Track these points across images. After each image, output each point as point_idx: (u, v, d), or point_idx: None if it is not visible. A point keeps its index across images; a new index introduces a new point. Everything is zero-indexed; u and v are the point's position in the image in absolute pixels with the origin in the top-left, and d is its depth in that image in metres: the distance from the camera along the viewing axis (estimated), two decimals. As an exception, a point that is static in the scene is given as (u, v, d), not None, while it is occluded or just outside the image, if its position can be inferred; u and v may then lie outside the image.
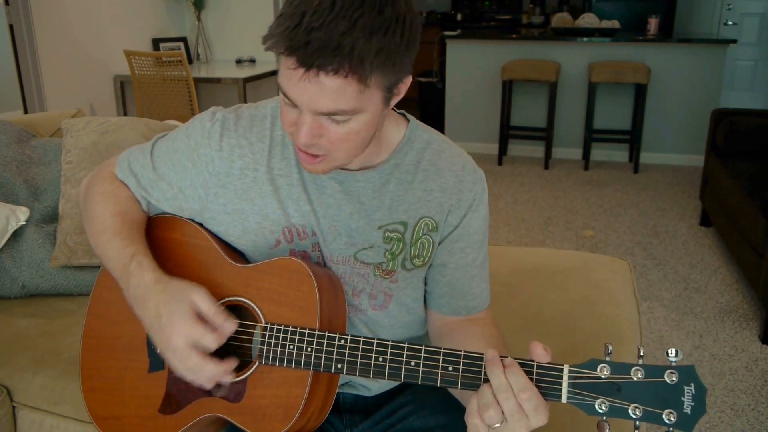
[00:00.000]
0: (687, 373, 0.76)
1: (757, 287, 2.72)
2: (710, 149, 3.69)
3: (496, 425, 0.80)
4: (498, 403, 0.80)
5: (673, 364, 0.78)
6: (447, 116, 5.47)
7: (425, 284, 1.11)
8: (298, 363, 0.91)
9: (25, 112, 3.81)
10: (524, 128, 5.28)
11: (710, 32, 6.17)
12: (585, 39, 5.02)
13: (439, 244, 1.06)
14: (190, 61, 5.21)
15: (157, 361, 1.01)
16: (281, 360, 0.92)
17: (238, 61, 5.11)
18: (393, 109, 1.05)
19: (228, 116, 1.03)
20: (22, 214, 1.72)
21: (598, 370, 0.79)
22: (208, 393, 0.96)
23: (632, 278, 1.80)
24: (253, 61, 5.15)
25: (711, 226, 3.80)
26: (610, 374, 0.78)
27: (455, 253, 1.06)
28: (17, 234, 1.72)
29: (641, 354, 0.78)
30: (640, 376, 0.77)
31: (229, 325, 0.91)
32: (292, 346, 0.91)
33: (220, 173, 1.02)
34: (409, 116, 1.07)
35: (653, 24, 5.24)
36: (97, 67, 4.42)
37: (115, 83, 4.57)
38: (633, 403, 0.77)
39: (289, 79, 0.82)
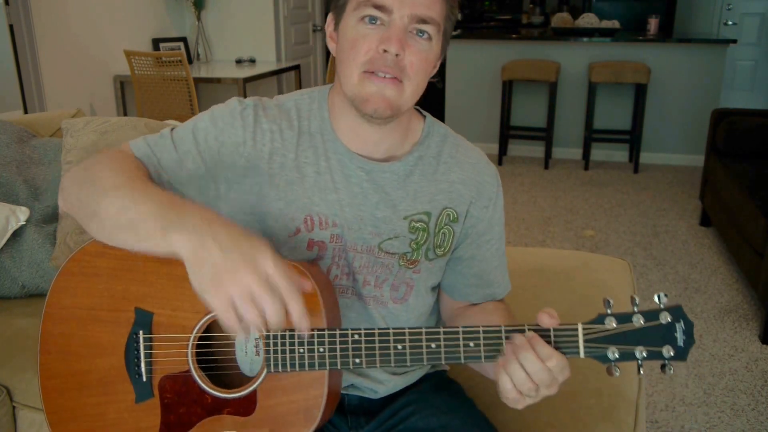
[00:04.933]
0: (677, 312, 0.86)
1: (757, 287, 2.72)
2: (710, 149, 3.69)
3: (533, 394, 0.86)
4: (531, 378, 0.84)
5: (662, 307, 0.86)
6: (447, 116, 5.47)
7: (445, 277, 1.13)
8: (312, 365, 0.89)
9: (25, 112, 3.81)
10: (524, 128, 5.28)
11: (710, 32, 6.17)
12: (585, 39, 5.02)
13: (465, 237, 1.09)
14: (190, 61, 5.21)
15: (144, 391, 0.95)
16: (292, 365, 0.89)
17: (238, 61, 5.11)
18: None
19: (257, 103, 1.04)
20: (22, 214, 1.72)
21: (606, 323, 0.87)
22: (212, 412, 0.93)
23: (632, 278, 1.80)
24: (253, 61, 5.15)
25: (711, 226, 3.80)
26: (617, 325, 0.86)
27: (482, 246, 1.10)
28: (17, 234, 1.72)
29: (636, 302, 0.88)
30: (641, 322, 0.86)
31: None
32: (302, 350, 0.89)
33: (250, 156, 1.00)
34: (423, 111, 1.11)
35: (653, 24, 5.24)
36: (97, 67, 4.42)
37: (115, 83, 4.57)
38: (638, 346, 0.86)
39: None
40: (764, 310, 2.62)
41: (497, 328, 0.88)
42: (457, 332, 0.88)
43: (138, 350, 0.96)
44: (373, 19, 0.92)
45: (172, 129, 1.05)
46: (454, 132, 1.12)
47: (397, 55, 0.91)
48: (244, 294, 0.74)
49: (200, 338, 0.96)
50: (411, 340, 0.88)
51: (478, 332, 0.88)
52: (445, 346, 0.88)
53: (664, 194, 4.45)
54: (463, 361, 0.89)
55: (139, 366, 0.95)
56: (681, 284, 3.13)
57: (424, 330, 0.88)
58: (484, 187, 1.08)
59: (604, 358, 0.87)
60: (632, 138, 5.04)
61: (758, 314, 2.81)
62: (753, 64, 6.13)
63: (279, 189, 1.01)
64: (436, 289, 1.16)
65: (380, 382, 1.11)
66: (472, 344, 0.88)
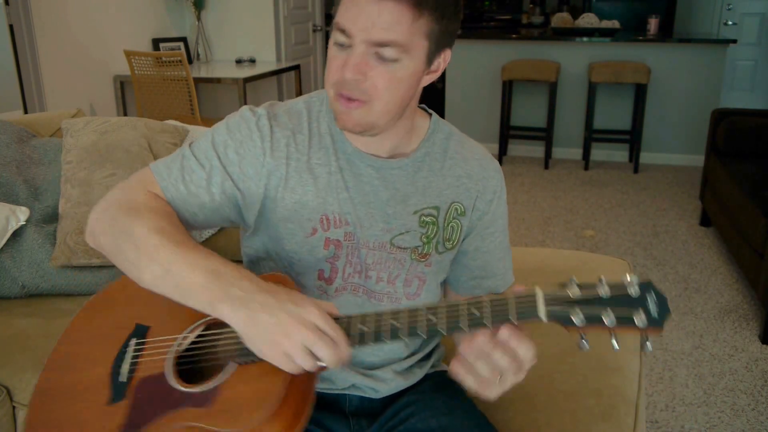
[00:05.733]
0: (646, 286, 0.80)
1: (757, 287, 2.72)
2: (710, 149, 3.69)
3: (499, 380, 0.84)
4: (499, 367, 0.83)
5: (631, 281, 0.81)
6: (447, 116, 5.47)
7: (450, 270, 1.16)
8: None
9: (25, 112, 3.81)
10: (524, 128, 5.28)
11: (710, 32, 6.17)
12: (585, 39, 5.02)
13: (471, 230, 1.12)
14: (190, 61, 5.21)
15: (119, 392, 0.94)
16: None
17: (238, 61, 5.11)
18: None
19: (269, 111, 1.05)
20: (22, 214, 1.72)
21: (568, 290, 0.82)
22: (175, 406, 0.91)
23: (632, 278, 1.80)
24: (253, 61, 5.14)
25: (711, 226, 3.80)
26: (580, 292, 0.81)
27: (486, 238, 1.13)
28: (17, 234, 1.72)
29: (603, 281, 0.82)
30: (606, 290, 0.80)
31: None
32: None
33: (270, 165, 1.02)
34: (429, 110, 1.13)
35: (653, 24, 5.24)
36: (97, 67, 4.42)
37: (115, 83, 4.57)
38: (606, 308, 0.80)
39: (348, 8, 0.90)
40: (764, 310, 2.62)
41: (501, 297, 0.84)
42: (458, 304, 0.85)
43: (125, 354, 0.97)
44: (341, 43, 0.93)
45: (190, 144, 1.05)
46: (458, 130, 1.15)
47: (357, 79, 0.92)
48: (299, 348, 0.81)
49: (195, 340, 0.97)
50: (409, 312, 0.85)
51: (482, 302, 0.84)
52: (445, 316, 0.84)
53: (664, 194, 4.45)
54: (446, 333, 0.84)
55: (121, 368, 0.96)
56: (681, 284, 3.13)
57: (407, 310, 0.86)
58: (488, 181, 1.12)
59: (568, 320, 0.81)
60: (632, 138, 5.04)
61: (758, 314, 2.81)
62: (753, 64, 6.13)
63: (294, 192, 1.02)
64: (443, 285, 1.18)
65: (383, 381, 1.11)
66: (476, 313, 0.83)
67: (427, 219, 1.07)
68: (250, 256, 1.13)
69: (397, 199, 1.05)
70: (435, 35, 0.93)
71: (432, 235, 1.08)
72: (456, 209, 1.09)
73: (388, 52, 0.90)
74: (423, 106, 1.12)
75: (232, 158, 1.01)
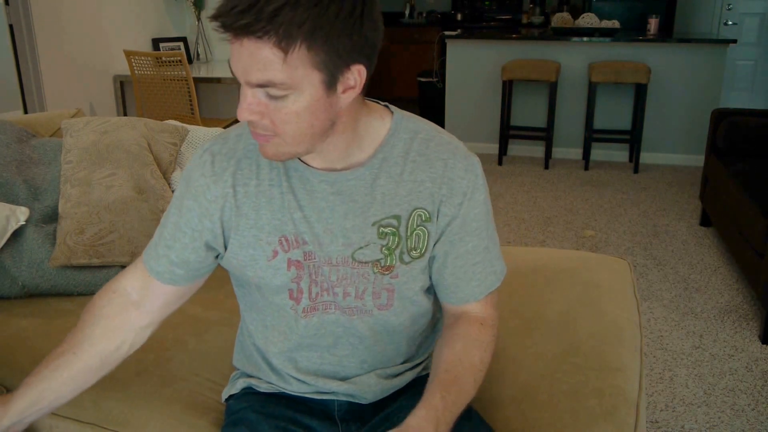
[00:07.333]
0: None
1: (757, 287, 2.72)
2: (710, 149, 3.69)
3: None
4: None
5: None
6: (447, 116, 5.47)
7: (431, 279, 1.10)
8: None
9: (25, 112, 3.81)
10: (524, 128, 5.28)
11: (710, 32, 6.17)
12: (585, 39, 5.02)
13: (440, 236, 1.04)
14: (190, 61, 5.20)
15: None
16: None
17: (238, 61, 5.10)
18: (376, 102, 1.04)
19: (215, 142, 1.04)
20: (21, 214, 1.72)
21: None
22: None
23: (632, 278, 1.80)
24: (253, 61, 5.14)
25: (711, 226, 3.80)
26: None
27: (456, 243, 1.05)
28: (17, 234, 1.72)
29: None
30: None
31: None
32: None
33: (217, 197, 1.02)
34: (392, 108, 1.06)
35: (653, 24, 5.24)
36: (97, 67, 4.42)
37: (115, 83, 4.57)
38: None
39: (230, 51, 0.86)
40: (764, 310, 2.62)
41: None
42: None
43: None
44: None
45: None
46: (432, 126, 1.06)
47: (253, 119, 0.89)
48: None
49: None
50: None
51: None
52: None
53: (664, 194, 4.45)
54: None
55: None
56: (681, 284, 3.13)
57: None
58: (455, 182, 1.02)
59: None
60: (632, 138, 5.04)
61: (758, 314, 2.81)
62: (753, 64, 6.13)
63: (248, 218, 1.01)
64: (432, 289, 1.13)
65: (367, 386, 1.10)
66: None
67: (386, 230, 1.01)
68: (235, 281, 1.15)
69: (356, 211, 1.00)
70: (325, 62, 0.85)
71: (393, 246, 1.02)
72: (420, 216, 1.02)
73: (271, 91, 0.86)
74: (386, 104, 1.05)
75: (190, 206, 1.04)
